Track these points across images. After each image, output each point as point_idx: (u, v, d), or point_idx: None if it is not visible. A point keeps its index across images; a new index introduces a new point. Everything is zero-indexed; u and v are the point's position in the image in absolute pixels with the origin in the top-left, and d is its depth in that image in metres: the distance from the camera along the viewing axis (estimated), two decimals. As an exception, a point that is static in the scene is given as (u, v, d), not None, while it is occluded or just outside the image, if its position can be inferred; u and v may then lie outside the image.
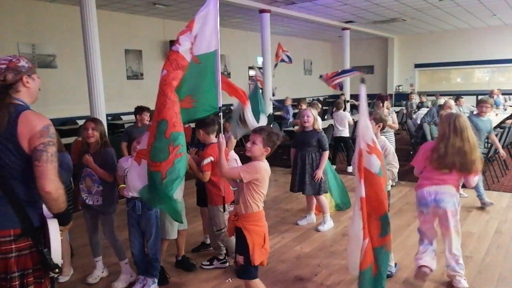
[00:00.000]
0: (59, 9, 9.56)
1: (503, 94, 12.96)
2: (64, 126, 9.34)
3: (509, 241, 4.27)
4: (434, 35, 17.12)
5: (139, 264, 3.43)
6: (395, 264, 3.60)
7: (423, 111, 9.44)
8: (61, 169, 3.40)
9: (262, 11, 10.88)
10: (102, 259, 3.73)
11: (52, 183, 1.93)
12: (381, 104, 6.71)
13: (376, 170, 2.64)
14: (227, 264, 3.84)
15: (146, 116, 5.58)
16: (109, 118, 9.92)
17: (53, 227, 1.99)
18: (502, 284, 3.43)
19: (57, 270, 1.99)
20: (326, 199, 4.90)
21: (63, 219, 2.06)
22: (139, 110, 5.61)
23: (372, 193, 2.63)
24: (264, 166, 2.68)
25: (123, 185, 3.31)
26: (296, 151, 4.79)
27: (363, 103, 2.67)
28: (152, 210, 3.30)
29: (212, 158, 3.55)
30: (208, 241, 4.24)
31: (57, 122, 9.57)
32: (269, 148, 2.68)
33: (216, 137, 3.75)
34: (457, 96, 10.06)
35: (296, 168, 4.72)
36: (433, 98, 13.39)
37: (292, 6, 11.06)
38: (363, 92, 2.67)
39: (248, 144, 2.69)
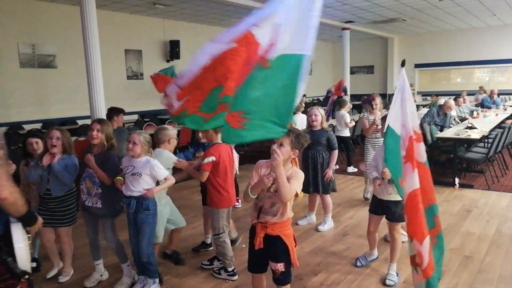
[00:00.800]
0: (59, 9, 9.56)
1: (503, 94, 12.97)
2: (64, 126, 9.34)
3: (509, 241, 4.27)
4: (434, 35, 17.12)
5: (138, 263, 3.39)
6: (397, 273, 3.57)
7: (423, 111, 9.45)
8: (65, 172, 3.38)
9: (262, 11, 10.87)
10: (102, 262, 3.67)
11: (5, 189, 1.84)
12: (371, 108, 6.26)
13: (424, 160, 2.48)
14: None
15: (122, 119, 5.54)
16: (109, 118, 9.94)
17: (17, 234, 1.94)
18: (502, 284, 3.43)
19: (26, 276, 1.93)
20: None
21: (27, 220, 2.00)
22: (116, 112, 5.49)
23: (422, 185, 2.44)
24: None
25: (120, 178, 3.26)
26: (304, 151, 4.71)
27: (407, 86, 2.52)
28: (149, 210, 3.22)
29: (213, 158, 3.46)
30: (209, 241, 4.22)
31: (57, 122, 9.57)
32: (297, 151, 2.56)
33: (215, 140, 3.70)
34: (456, 96, 10.07)
35: (308, 168, 4.64)
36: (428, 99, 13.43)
37: (292, 6, 11.05)
38: (404, 76, 2.54)
39: (275, 147, 2.52)
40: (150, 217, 3.25)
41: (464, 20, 14.17)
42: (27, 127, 8.94)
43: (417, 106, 14.09)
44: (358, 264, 3.80)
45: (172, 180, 3.30)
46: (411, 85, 18.26)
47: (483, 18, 13.98)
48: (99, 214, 3.42)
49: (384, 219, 3.64)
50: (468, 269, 3.67)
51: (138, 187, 3.18)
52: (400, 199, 3.37)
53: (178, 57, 11.95)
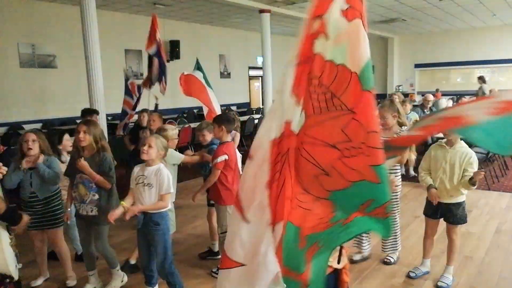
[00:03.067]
0: (59, 9, 9.56)
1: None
2: (64, 126, 9.33)
3: (509, 241, 4.27)
4: (434, 35, 17.11)
5: (149, 279, 3.20)
6: (453, 277, 3.46)
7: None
8: (51, 170, 3.26)
9: (262, 11, 10.86)
10: (96, 272, 3.52)
11: None
12: None
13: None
14: None
15: (96, 119, 5.29)
16: (109, 118, 9.91)
17: None
18: (502, 284, 3.43)
19: (8, 280, 1.89)
20: None
21: (8, 219, 1.95)
22: (90, 113, 5.38)
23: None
24: None
25: (123, 203, 2.96)
26: None
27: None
28: (159, 225, 2.98)
29: (226, 157, 3.48)
30: (216, 248, 4.04)
31: (57, 122, 9.58)
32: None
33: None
34: (457, 96, 10.07)
35: None
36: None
37: (292, 6, 11.05)
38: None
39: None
40: (160, 233, 2.99)
41: (464, 20, 14.16)
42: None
43: (417, 106, 14.08)
44: (412, 275, 3.58)
45: (164, 203, 2.97)
46: (411, 85, 18.26)
47: (483, 18, 13.97)
48: (94, 222, 3.24)
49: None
50: (468, 269, 3.67)
51: (148, 199, 2.95)
52: (461, 200, 3.32)
53: (178, 57, 11.95)
